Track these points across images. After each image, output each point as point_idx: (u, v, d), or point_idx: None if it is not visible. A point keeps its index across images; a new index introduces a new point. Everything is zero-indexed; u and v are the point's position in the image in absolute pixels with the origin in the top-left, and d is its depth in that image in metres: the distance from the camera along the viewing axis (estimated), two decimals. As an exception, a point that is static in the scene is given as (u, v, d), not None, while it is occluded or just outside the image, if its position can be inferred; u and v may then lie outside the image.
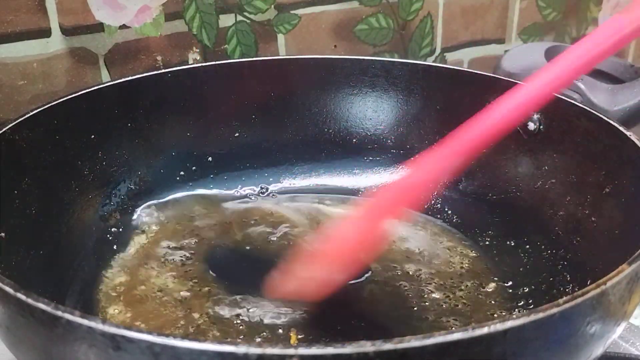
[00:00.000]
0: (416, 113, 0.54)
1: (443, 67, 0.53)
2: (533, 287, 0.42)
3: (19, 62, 0.53)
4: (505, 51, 0.63)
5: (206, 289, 0.42)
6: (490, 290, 0.43)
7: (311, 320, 0.39)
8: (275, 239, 0.48)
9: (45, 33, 0.53)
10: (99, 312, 0.40)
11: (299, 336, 0.38)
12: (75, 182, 0.45)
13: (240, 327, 0.39)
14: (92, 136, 0.47)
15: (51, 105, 0.44)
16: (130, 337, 0.23)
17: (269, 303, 0.40)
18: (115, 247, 0.46)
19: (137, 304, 0.41)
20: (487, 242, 0.47)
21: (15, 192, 0.40)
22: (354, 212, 0.42)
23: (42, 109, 0.43)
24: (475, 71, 0.52)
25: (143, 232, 0.48)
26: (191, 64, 0.55)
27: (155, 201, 0.50)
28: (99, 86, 0.47)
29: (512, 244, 0.46)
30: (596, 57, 0.34)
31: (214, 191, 0.52)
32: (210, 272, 0.44)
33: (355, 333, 0.38)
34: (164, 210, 0.50)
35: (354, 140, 0.55)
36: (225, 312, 0.40)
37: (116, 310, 0.40)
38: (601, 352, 0.29)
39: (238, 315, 0.39)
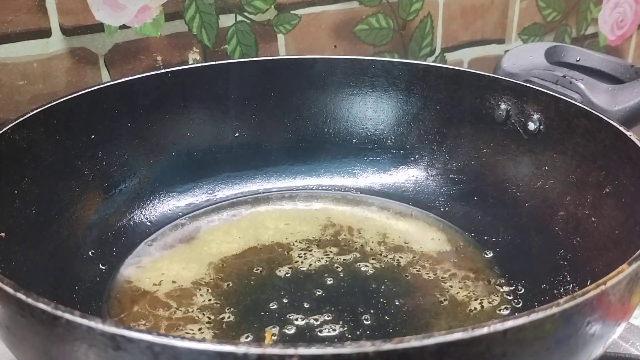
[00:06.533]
0: (416, 113, 0.54)
1: (443, 67, 0.53)
2: (533, 287, 0.42)
3: (19, 62, 0.53)
4: (505, 51, 0.63)
5: (208, 289, 0.42)
6: (490, 290, 0.43)
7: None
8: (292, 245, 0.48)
9: (45, 33, 0.53)
10: (99, 312, 0.40)
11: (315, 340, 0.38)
12: (75, 182, 0.45)
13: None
14: (92, 136, 0.47)
15: (51, 105, 0.44)
16: (130, 337, 0.23)
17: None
18: (115, 247, 0.46)
19: (137, 304, 0.41)
20: (487, 242, 0.47)
21: (15, 192, 0.40)
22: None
23: (42, 109, 0.43)
24: (475, 71, 0.52)
25: (143, 232, 0.48)
26: (191, 64, 0.55)
27: (155, 201, 0.50)
28: (99, 86, 0.47)
29: (512, 244, 0.46)
30: None
31: (215, 192, 0.52)
32: (214, 274, 0.44)
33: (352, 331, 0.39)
34: (164, 210, 0.50)
35: (354, 140, 0.55)
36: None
37: (116, 310, 0.40)
38: (601, 352, 0.29)
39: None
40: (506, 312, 0.41)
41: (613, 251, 0.38)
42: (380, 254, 0.46)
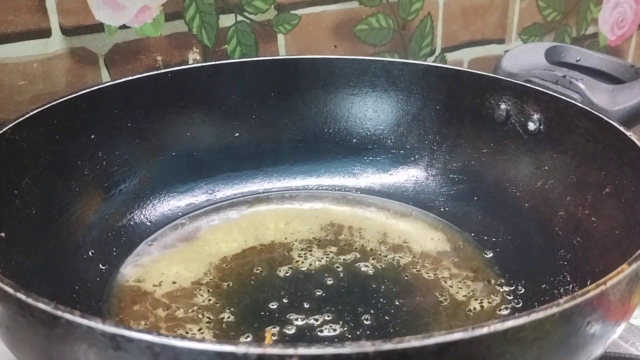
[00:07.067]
0: (416, 113, 0.54)
1: (443, 67, 0.53)
2: (533, 287, 0.42)
3: (19, 62, 0.53)
4: (505, 51, 0.62)
5: (208, 289, 0.42)
6: (490, 290, 0.43)
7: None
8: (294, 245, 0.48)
9: (45, 33, 0.53)
10: (99, 312, 0.40)
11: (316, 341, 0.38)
12: (75, 182, 0.45)
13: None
14: (92, 136, 0.47)
15: (51, 105, 0.44)
16: (130, 336, 0.23)
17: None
18: (115, 247, 0.46)
19: (137, 304, 0.41)
20: (487, 242, 0.47)
21: (15, 192, 0.40)
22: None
23: (42, 109, 0.43)
24: (475, 71, 0.52)
25: (143, 232, 0.48)
26: (191, 64, 0.55)
27: (155, 201, 0.50)
28: (99, 86, 0.47)
29: (512, 244, 0.46)
30: None
31: (215, 192, 0.52)
32: (214, 273, 0.44)
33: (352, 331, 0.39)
34: (164, 210, 0.50)
35: (354, 140, 0.55)
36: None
37: (116, 310, 0.40)
38: (601, 352, 0.29)
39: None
40: (506, 312, 0.41)
41: (613, 251, 0.38)
42: (380, 254, 0.46)
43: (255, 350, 0.22)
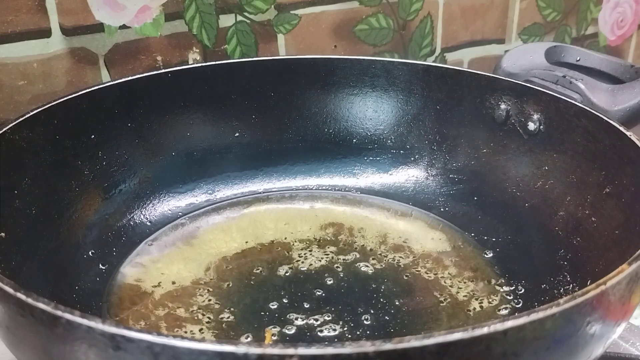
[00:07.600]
0: (416, 113, 0.54)
1: (443, 67, 0.53)
2: (533, 287, 0.42)
3: (19, 62, 0.53)
4: (505, 51, 0.62)
5: (207, 289, 0.42)
6: (490, 290, 0.43)
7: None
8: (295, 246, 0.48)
9: (45, 33, 0.53)
10: (99, 312, 0.40)
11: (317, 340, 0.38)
12: (75, 182, 0.45)
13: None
14: (92, 136, 0.47)
15: (51, 105, 0.44)
16: (130, 336, 0.23)
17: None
18: (115, 247, 0.46)
19: (137, 304, 0.41)
20: (487, 242, 0.47)
21: (15, 192, 0.40)
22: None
23: (42, 109, 0.43)
24: (475, 71, 0.52)
25: (143, 232, 0.48)
26: (191, 64, 0.55)
27: (155, 201, 0.50)
28: (99, 86, 0.47)
29: (512, 244, 0.46)
30: None
31: (215, 192, 0.52)
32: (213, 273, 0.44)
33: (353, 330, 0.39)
34: (164, 210, 0.50)
35: (354, 140, 0.55)
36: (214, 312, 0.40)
37: (116, 310, 0.40)
38: (601, 352, 0.29)
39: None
40: (506, 312, 0.41)
41: (613, 251, 0.38)
42: (380, 254, 0.46)
43: (255, 350, 0.22)
